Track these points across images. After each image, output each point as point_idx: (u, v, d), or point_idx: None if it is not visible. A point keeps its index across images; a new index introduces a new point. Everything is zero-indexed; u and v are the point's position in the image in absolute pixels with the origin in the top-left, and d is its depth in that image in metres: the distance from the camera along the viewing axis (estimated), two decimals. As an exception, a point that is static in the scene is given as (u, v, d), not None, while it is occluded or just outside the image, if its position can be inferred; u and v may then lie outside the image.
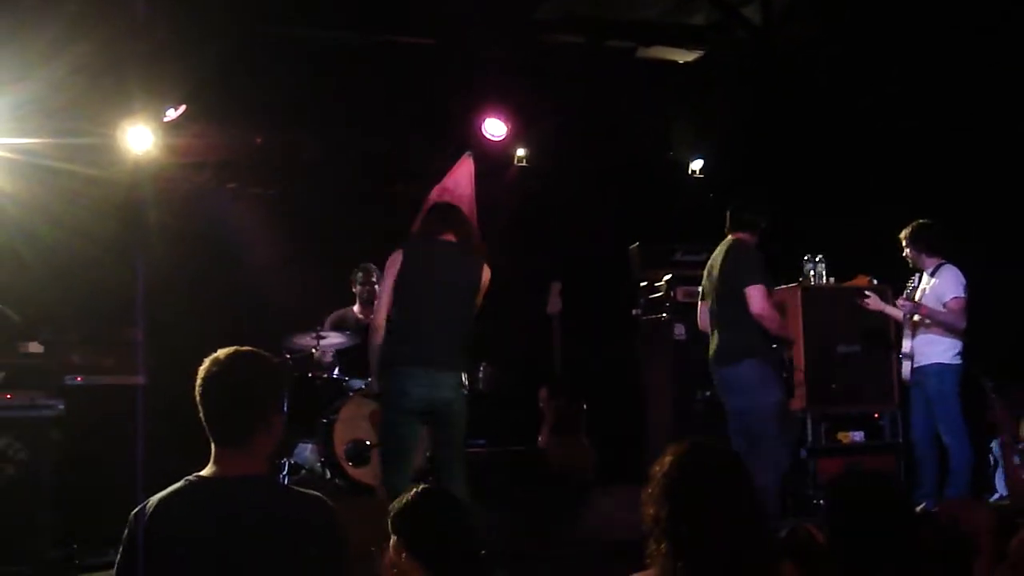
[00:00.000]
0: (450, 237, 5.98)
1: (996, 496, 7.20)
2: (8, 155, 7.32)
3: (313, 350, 8.01)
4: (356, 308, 8.44)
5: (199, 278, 8.55)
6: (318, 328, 7.96)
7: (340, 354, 8.28)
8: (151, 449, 6.22)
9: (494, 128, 9.36)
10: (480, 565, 3.06)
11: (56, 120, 7.24)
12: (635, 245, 9.37)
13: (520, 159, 9.81)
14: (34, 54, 6.74)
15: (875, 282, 7.81)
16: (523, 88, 9.25)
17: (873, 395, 7.94)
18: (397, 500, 3.06)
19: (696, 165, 10.23)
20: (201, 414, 2.80)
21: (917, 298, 7.10)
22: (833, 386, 7.77)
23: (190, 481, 2.77)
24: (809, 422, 7.73)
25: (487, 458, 8.70)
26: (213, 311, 8.22)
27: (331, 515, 2.80)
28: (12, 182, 7.37)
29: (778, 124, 9.22)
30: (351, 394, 7.67)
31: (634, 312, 9.16)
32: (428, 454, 6.62)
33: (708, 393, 7.28)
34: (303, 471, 7.80)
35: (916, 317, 7.08)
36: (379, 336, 5.82)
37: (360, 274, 8.34)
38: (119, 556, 2.76)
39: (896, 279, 7.44)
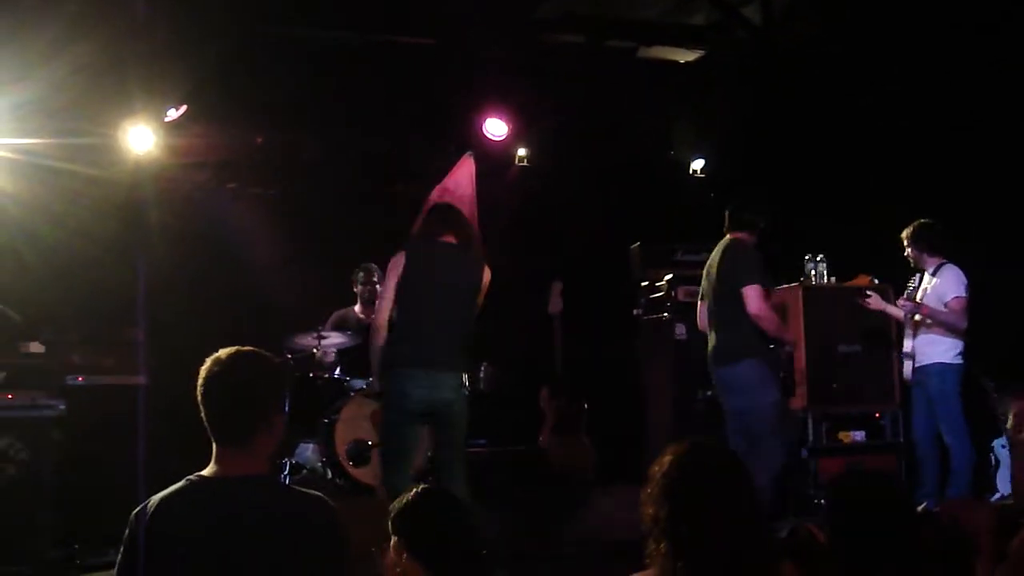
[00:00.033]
0: (451, 239, 6.00)
1: (997, 496, 7.19)
2: (9, 155, 7.32)
3: (314, 350, 8.01)
4: (357, 308, 8.44)
5: (200, 278, 8.55)
6: (319, 328, 7.97)
7: (341, 354, 8.29)
8: (152, 449, 6.23)
9: (495, 128, 9.36)
10: (481, 565, 3.06)
11: (57, 120, 7.24)
12: (636, 245, 9.37)
13: (521, 159, 9.81)
14: (35, 54, 6.74)
15: (876, 282, 7.80)
16: (524, 88, 9.26)
17: (874, 395, 7.93)
18: (397, 500, 3.06)
19: (697, 165, 10.23)
20: (202, 414, 2.80)
21: (918, 298, 7.10)
22: (834, 386, 7.76)
23: (191, 481, 2.77)
24: (810, 422, 7.72)
25: (488, 458, 8.70)
26: (214, 311, 8.22)
27: (332, 515, 2.80)
28: (13, 182, 7.37)
29: (779, 124, 9.22)
30: (352, 394, 7.68)
31: (635, 312, 9.16)
32: (429, 454, 6.62)
33: (709, 393, 7.28)
34: (304, 471, 7.80)
35: (917, 317, 7.08)
36: (380, 336, 5.84)
37: (361, 274, 8.35)
38: (120, 556, 2.76)
39: (897, 279, 7.43)
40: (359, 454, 7.41)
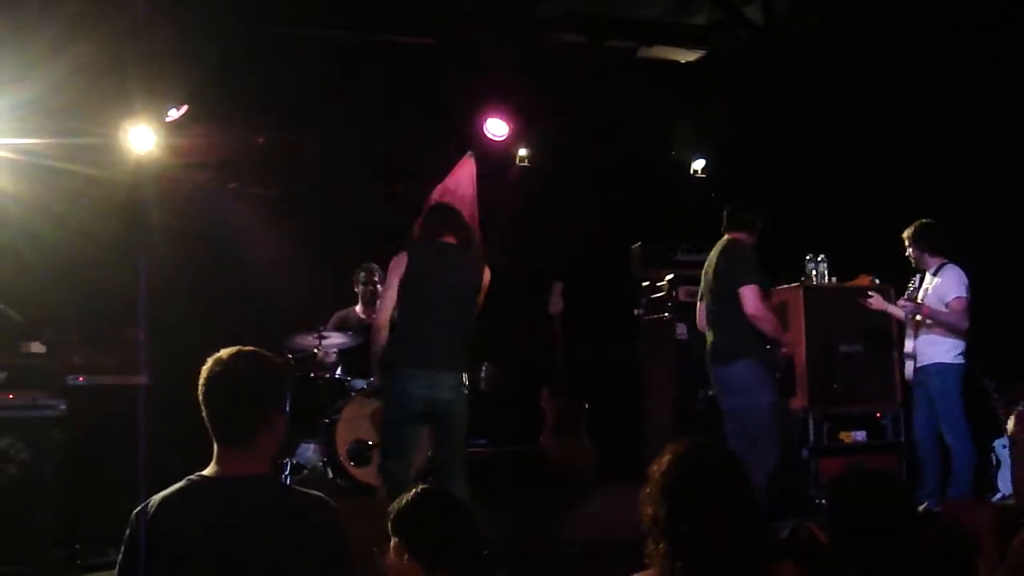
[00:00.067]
0: (451, 239, 6.04)
1: (998, 496, 7.18)
2: (10, 155, 7.32)
3: (315, 350, 8.01)
4: (358, 308, 8.44)
5: (201, 278, 8.55)
6: (320, 328, 7.97)
7: (342, 354, 8.29)
8: (153, 449, 6.23)
9: (496, 128, 9.36)
10: (481, 565, 3.06)
11: (58, 120, 7.24)
12: (637, 245, 9.37)
13: (522, 159, 9.81)
14: (35, 54, 6.74)
15: (877, 282, 7.80)
16: (524, 88, 9.26)
17: (875, 395, 7.93)
18: (397, 501, 3.06)
19: (698, 165, 10.22)
20: (204, 414, 2.80)
21: (920, 298, 7.10)
22: (835, 386, 7.76)
23: (192, 481, 2.77)
24: (811, 422, 7.72)
25: (488, 458, 8.70)
26: (215, 311, 8.21)
27: (333, 515, 2.80)
28: (14, 182, 7.37)
29: (780, 124, 9.22)
30: (353, 394, 7.67)
31: (636, 312, 9.16)
32: (429, 454, 6.63)
33: (710, 393, 7.27)
34: (305, 471, 7.80)
35: (918, 317, 7.08)
36: (382, 336, 5.88)
37: (362, 274, 8.34)
38: (120, 556, 2.76)
39: (898, 279, 7.44)
40: (360, 454, 7.41)
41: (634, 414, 8.98)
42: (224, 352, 2.83)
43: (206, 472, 2.79)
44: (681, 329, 8.49)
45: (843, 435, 7.85)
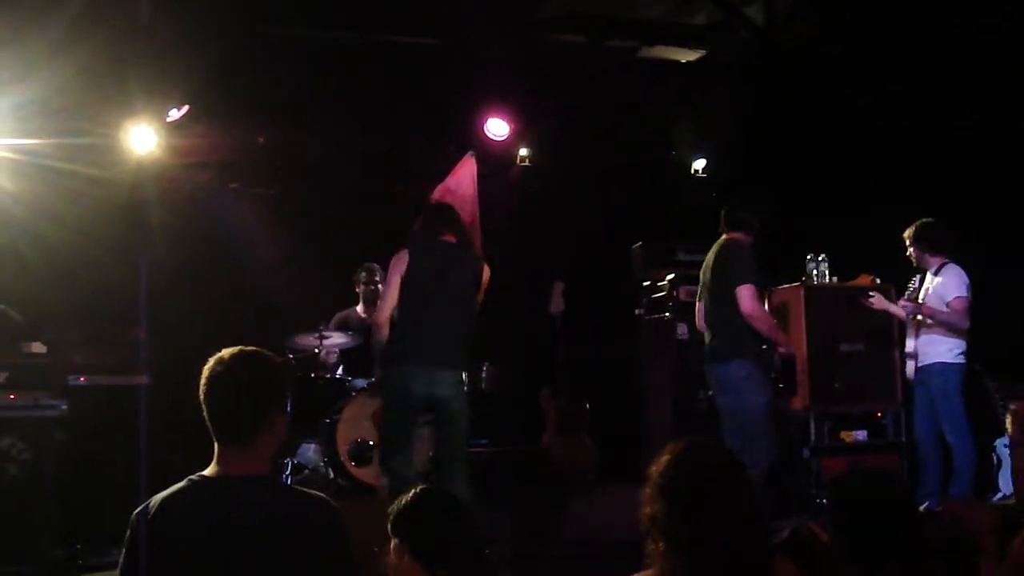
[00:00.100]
0: (450, 237, 6.11)
1: (999, 495, 7.18)
2: (11, 155, 7.33)
3: (316, 350, 8.02)
4: (359, 308, 8.44)
5: (202, 278, 8.55)
6: (321, 328, 7.97)
7: (343, 354, 8.30)
8: (154, 449, 6.22)
9: (496, 128, 9.36)
10: (482, 565, 3.06)
11: (59, 120, 7.25)
12: (637, 245, 9.36)
13: (522, 159, 9.81)
14: (36, 55, 6.75)
15: (878, 281, 7.80)
16: (525, 88, 9.26)
17: (876, 394, 7.92)
18: (396, 502, 3.06)
19: (698, 165, 10.22)
20: (205, 413, 2.80)
21: (921, 297, 7.10)
22: (836, 385, 7.75)
23: (193, 481, 2.77)
24: (812, 421, 7.71)
25: (489, 458, 8.70)
26: (216, 311, 8.22)
27: (334, 515, 2.80)
28: (15, 182, 7.37)
29: (780, 123, 9.21)
30: (354, 394, 7.67)
31: (636, 312, 9.16)
32: (431, 454, 6.63)
33: (710, 393, 7.28)
34: (306, 471, 7.81)
35: (919, 317, 7.08)
36: (383, 333, 5.97)
37: (363, 274, 8.35)
38: (122, 557, 2.76)
39: (899, 278, 7.44)
40: (361, 454, 7.41)
41: (635, 414, 8.98)
42: (226, 352, 2.84)
43: (207, 472, 2.79)
44: (682, 329, 8.49)
45: (844, 434, 7.84)
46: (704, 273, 6.77)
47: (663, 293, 8.79)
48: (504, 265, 7.21)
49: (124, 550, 2.76)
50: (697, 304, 6.94)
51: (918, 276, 7.20)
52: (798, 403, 7.70)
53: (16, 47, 6.73)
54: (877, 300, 7.36)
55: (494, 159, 9.14)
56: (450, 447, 5.99)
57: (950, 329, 6.96)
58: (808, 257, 8.05)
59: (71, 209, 7.52)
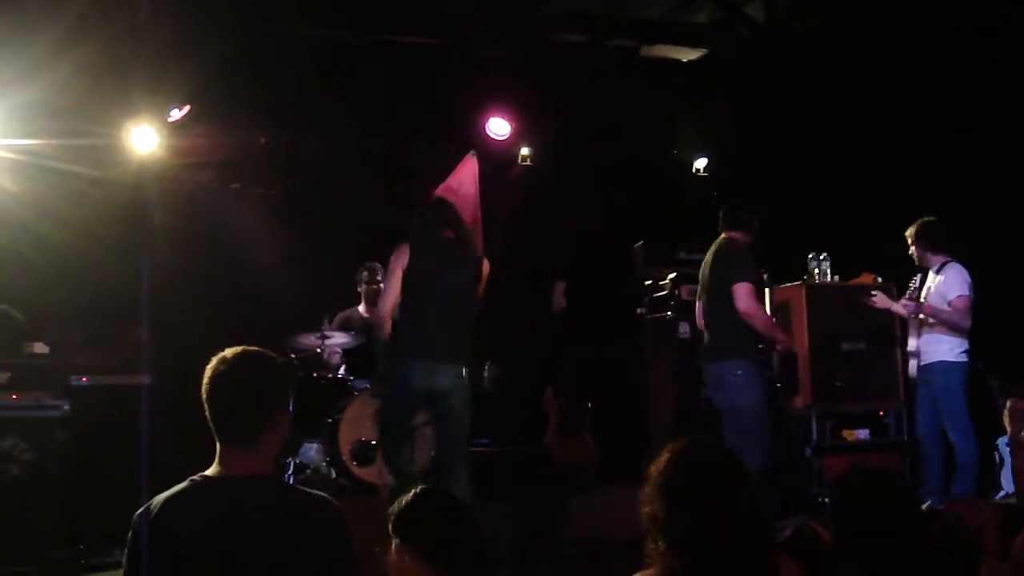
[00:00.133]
0: (448, 233, 6.18)
1: (1002, 494, 7.18)
2: (12, 156, 7.33)
3: (318, 350, 8.01)
4: (361, 308, 8.44)
5: (203, 278, 8.55)
6: (323, 328, 7.97)
7: (345, 354, 8.30)
8: (156, 449, 6.23)
9: (498, 127, 9.36)
10: (482, 565, 3.05)
11: (60, 121, 7.25)
12: (639, 244, 9.36)
13: (524, 158, 9.81)
14: (38, 55, 6.75)
15: (879, 280, 7.80)
16: (526, 87, 9.26)
17: (878, 392, 7.92)
18: (396, 502, 3.05)
19: (700, 164, 10.21)
20: (207, 413, 2.80)
21: (923, 296, 7.11)
22: (838, 384, 7.75)
23: (194, 481, 2.77)
24: (814, 420, 7.71)
25: (491, 457, 8.70)
26: (217, 311, 8.22)
27: (336, 515, 2.80)
28: (17, 183, 7.37)
29: (782, 122, 9.21)
30: (356, 394, 7.67)
31: (638, 311, 9.16)
32: (433, 454, 6.64)
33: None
34: (308, 471, 7.81)
35: (921, 316, 7.09)
36: (386, 328, 6.03)
37: (365, 273, 8.34)
38: (125, 557, 2.76)
39: (901, 277, 7.44)
40: (363, 454, 7.41)
41: (638, 413, 8.99)
42: (228, 352, 2.84)
43: (209, 472, 2.79)
44: (683, 328, 8.50)
45: (846, 433, 7.84)
46: (703, 272, 6.82)
47: (665, 292, 8.79)
48: (506, 265, 7.20)
49: (126, 551, 2.76)
50: (697, 303, 6.98)
51: (919, 275, 7.21)
52: (800, 402, 7.70)
53: (17, 48, 6.74)
54: (880, 299, 7.35)
55: (495, 159, 9.14)
56: (450, 443, 6.04)
57: (952, 328, 6.96)
58: (810, 256, 8.05)
59: (73, 209, 7.52)
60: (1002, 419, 7.02)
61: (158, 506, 2.74)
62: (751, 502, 2.55)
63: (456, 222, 6.30)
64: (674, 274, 8.75)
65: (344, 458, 7.42)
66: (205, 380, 2.81)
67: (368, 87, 8.77)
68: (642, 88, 9.43)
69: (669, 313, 8.71)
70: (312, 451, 7.92)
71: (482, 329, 6.29)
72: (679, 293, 8.59)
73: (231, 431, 2.79)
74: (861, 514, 2.97)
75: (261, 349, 2.88)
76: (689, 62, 9.67)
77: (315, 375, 7.95)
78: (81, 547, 6.27)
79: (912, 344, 7.18)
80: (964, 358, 6.98)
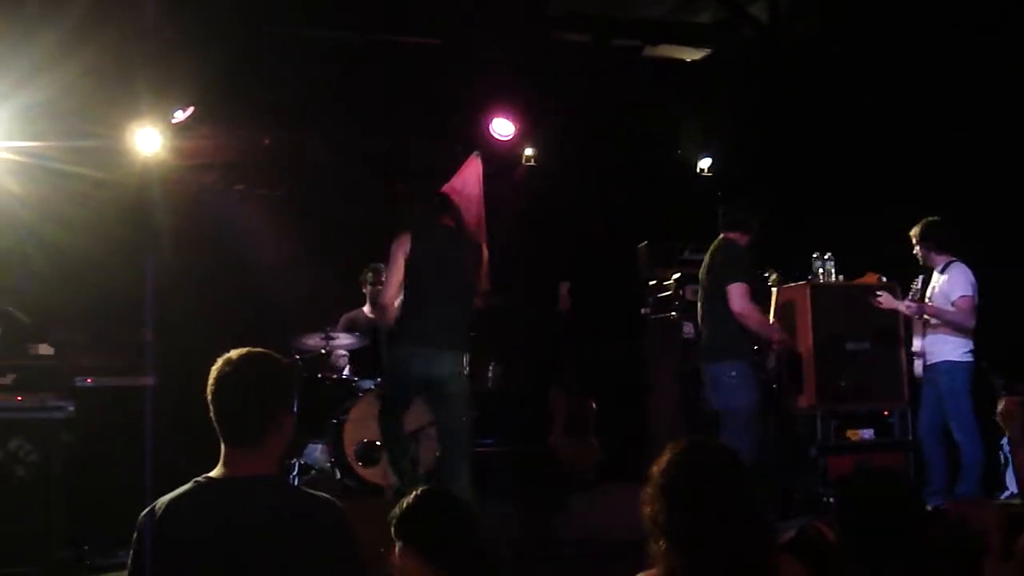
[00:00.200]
0: (449, 221, 6.31)
1: (1007, 493, 7.17)
2: (17, 158, 7.34)
3: (323, 350, 8.01)
4: (366, 309, 8.43)
5: (207, 279, 8.56)
6: (327, 328, 7.97)
7: (351, 354, 8.30)
8: (160, 450, 6.23)
9: (502, 128, 9.36)
10: (483, 565, 3.05)
11: (64, 123, 7.26)
12: (643, 244, 9.37)
13: (528, 159, 9.81)
14: (42, 57, 6.76)
15: (884, 279, 7.79)
16: (530, 87, 9.26)
17: (883, 392, 7.91)
18: (398, 504, 3.06)
19: (704, 164, 10.20)
20: (212, 414, 2.80)
21: (927, 296, 7.11)
22: (842, 383, 7.75)
23: (199, 482, 2.77)
24: (819, 420, 7.70)
25: (496, 457, 8.70)
26: (221, 312, 8.23)
27: (341, 516, 2.80)
28: (21, 185, 7.38)
29: (786, 122, 9.20)
30: (360, 394, 7.67)
31: (642, 311, 9.16)
32: (437, 454, 6.65)
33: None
34: (313, 471, 7.81)
35: (925, 316, 7.09)
36: (390, 314, 6.15)
37: (370, 274, 8.33)
38: (130, 558, 2.76)
39: (905, 277, 7.43)
40: (368, 454, 7.40)
41: (638, 413, 8.99)
42: (233, 353, 2.85)
43: (213, 473, 2.79)
44: (688, 328, 8.50)
45: (851, 433, 7.83)
46: (701, 273, 6.86)
47: (669, 292, 8.79)
48: (510, 265, 7.21)
49: (132, 552, 2.76)
50: (698, 303, 7.02)
51: (920, 276, 7.20)
52: (804, 402, 7.69)
53: (22, 50, 6.75)
54: (885, 299, 7.34)
55: (500, 159, 9.15)
56: (449, 433, 6.13)
57: (956, 328, 6.96)
58: (814, 256, 8.05)
59: (77, 211, 7.53)
60: (1004, 417, 7.01)
61: (163, 507, 2.74)
62: (751, 502, 2.56)
63: (457, 212, 6.43)
64: (678, 274, 8.75)
65: (349, 459, 7.42)
66: (210, 381, 2.82)
67: (372, 88, 8.78)
68: (645, 88, 9.43)
69: (673, 313, 8.71)
70: (317, 452, 7.92)
71: (487, 329, 6.32)
72: (683, 293, 8.59)
73: (236, 432, 2.80)
74: (866, 514, 2.97)
75: (266, 350, 2.88)
76: (693, 62, 9.67)
77: (320, 376, 7.96)
78: (86, 548, 6.27)
79: (917, 344, 7.18)
80: (969, 358, 6.97)
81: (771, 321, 7.44)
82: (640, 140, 9.84)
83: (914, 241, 7.20)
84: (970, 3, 7.58)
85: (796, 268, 8.04)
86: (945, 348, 7.00)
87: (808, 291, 7.78)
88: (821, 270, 8.03)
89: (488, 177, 7.57)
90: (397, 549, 2.98)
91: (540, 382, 9.11)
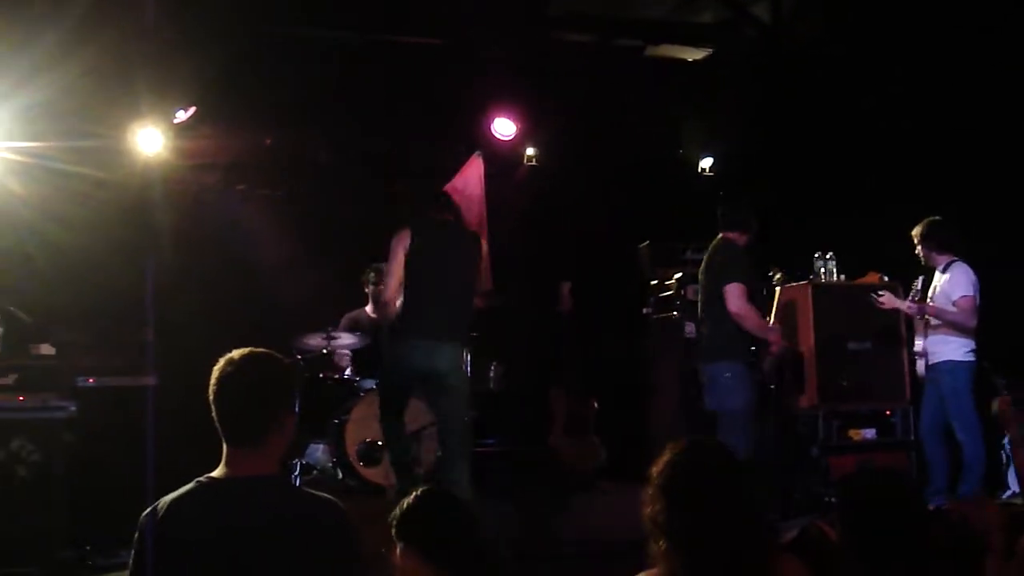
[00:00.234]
0: (448, 216, 6.38)
1: (1009, 493, 7.17)
2: (18, 158, 7.34)
3: (324, 351, 8.01)
4: (369, 308, 8.44)
5: (209, 279, 8.55)
6: (329, 328, 7.97)
7: (353, 354, 8.31)
8: (162, 450, 6.23)
9: (503, 127, 9.36)
10: (484, 565, 3.05)
11: (66, 123, 7.26)
12: (645, 244, 9.36)
13: (529, 158, 9.81)
14: (43, 58, 6.76)
15: (886, 279, 7.79)
16: (531, 87, 9.26)
17: (884, 392, 7.91)
18: (399, 505, 3.06)
19: (705, 163, 10.21)
20: (214, 414, 2.80)
21: (929, 295, 7.11)
22: (844, 383, 7.74)
23: (201, 482, 2.77)
24: (820, 419, 7.70)
25: (497, 457, 8.70)
26: (223, 312, 8.22)
27: (343, 516, 2.80)
28: (23, 185, 7.38)
29: (788, 122, 9.20)
30: (362, 394, 7.67)
31: (644, 311, 9.16)
32: (438, 455, 6.65)
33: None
34: (315, 471, 7.81)
35: (926, 317, 7.09)
36: (392, 308, 6.18)
37: (372, 274, 8.33)
38: (132, 558, 2.76)
39: (906, 276, 7.43)
40: (370, 454, 7.40)
41: (639, 413, 8.99)
42: (235, 353, 2.85)
43: (215, 473, 2.79)
44: (690, 328, 8.50)
45: (853, 433, 7.83)
46: (700, 273, 6.88)
47: (671, 292, 8.79)
48: (512, 265, 7.21)
49: (133, 552, 2.76)
50: (699, 303, 7.05)
51: (920, 277, 7.20)
52: (806, 401, 7.69)
53: (23, 50, 6.75)
54: (887, 299, 7.33)
55: (501, 159, 9.15)
56: (450, 433, 6.15)
57: (957, 328, 6.95)
58: (816, 255, 8.04)
59: (78, 211, 7.53)
60: (1004, 418, 7.02)
61: (165, 507, 2.74)
62: (751, 502, 2.56)
63: (455, 208, 6.53)
64: (680, 274, 8.76)
65: (351, 459, 7.42)
66: (212, 381, 2.82)
67: (374, 88, 8.78)
68: (647, 88, 9.43)
69: (675, 313, 8.72)
70: (319, 452, 7.92)
71: (489, 329, 6.33)
72: (684, 293, 8.60)
73: (238, 432, 2.80)
74: (868, 514, 2.97)
75: (268, 350, 2.88)
76: (694, 62, 9.67)
77: (321, 376, 7.96)
78: (87, 548, 6.26)
79: (919, 344, 7.18)
80: (971, 357, 6.97)
81: (772, 322, 7.44)
82: (641, 140, 9.83)
83: (915, 241, 7.20)
84: (972, 4, 7.57)
85: (798, 268, 8.04)
86: (947, 348, 7.00)
87: (810, 291, 7.78)
88: (823, 270, 8.02)
89: (489, 177, 7.59)
90: (399, 550, 2.98)
91: (541, 382, 9.10)
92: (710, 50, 9.51)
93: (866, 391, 7.83)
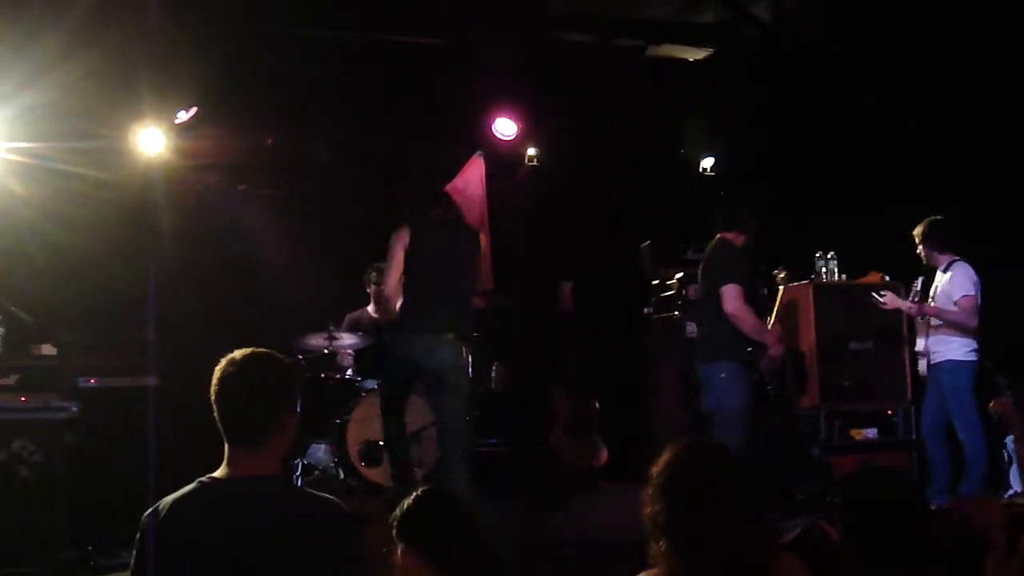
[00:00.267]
0: (447, 213, 6.42)
1: (1010, 492, 7.17)
2: (20, 159, 7.35)
3: (325, 351, 8.02)
4: (370, 308, 8.44)
5: (210, 279, 8.55)
6: (330, 328, 7.97)
7: (355, 354, 8.31)
8: (164, 450, 6.23)
9: (505, 127, 9.36)
10: (484, 565, 3.06)
11: (67, 124, 7.27)
12: (646, 244, 9.36)
13: (531, 158, 9.81)
14: (45, 59, 6.77)
15: (887, 279, 7.79)
16: (532, 87, 9.26)
17: (886, 392, 7.91)
18: (399, 506, 3.06)
19: (707, 163, 10.22)
20: (216, 414, 2.80)
21: (931, 295, 7.11)
22: (846, 383, 7.75)
23: (203, 482, 2.77)
24: (822, 419, 7.70)
25: (498, 457, 8.70)
26: (225, 312, 8.22)
27: (344, 516, 2.81)
28: (24, 185, 7.39)
29: (789, 122, 9.21)
30: (364, 394, 7.68)
31: (645, 311, 9.15)
32: (439, 455, 6.65)
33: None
34: (316, 471, 7.81)
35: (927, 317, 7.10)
36: (393, 304, 6.19)
37: (374, 274, 8.33)
38: (133, 559, 2.76)
39: (908, 276, 7.43)
40: (371, 454, 7.41)
41: (639, 413, 8.99)
42: (237, 353, 2.85)
43: (217, 474, 2.79)
44: (691, 328, 8.48)
45: (854, 432, 7.83)
46: (699, 273, 6.86)
47: (672, 292, 8.79)
48: (513, 265, 7.21)
49: (135, 552, 2.76)
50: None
51: (920, 278, 7.20)
52: (808, 401, 7.69)
53: (25, 52, 6.76)
54: (889, 299, 7.33)
55: (502, 159, 9.15)
56: (449, 433, 6.14)
57: (958, 327, 6.95)
58: (817, 255, 8.04)
59: (80, 212, 7.53)
60: (1008, 417, 7.02)
61: (166, 508, 2.74)
62: (751, 502, 2.56)
63: (454, 206, 6.57)
64: (681, 274, 8.75)
65: (352, 459, 7.43)
66: (214, 381, 2.82)
67: (375, 88, 8.78)
68: (648, 88, 9.42)
69: (676, 313, 8.71)
70: (320, 452, 7.92)
71: (490, 329, 6.33)
72: (686, 293, 8.58)
73: (240, 432, 2.80)
74: (869, 513, 2.97)
75: (269, 350, 2.89)
76: (695, 62, 9.66)
77: (323, 376, 7.96)
78: (89, 549, 6.26)
79: (920, 344, 7.18)
80: (972, 357, 6.97)
81: (772, 323, 7.44)
82: (642, 140, 9.83)
83: (917, 240, 7.20)
84: (973, 4, 7.57)
85: (799, 267, 8.04)
86: (949, 348, 7.00)
87: (811, 290, 7.78)
88: (824, 269, 8.03)
89: (491, 177, 7.58)
90: (399, 550, 2.99)
91: (542, 382, 9.10)
92: (711, 50, 9.51)
93: (868, 391, 7.84)
